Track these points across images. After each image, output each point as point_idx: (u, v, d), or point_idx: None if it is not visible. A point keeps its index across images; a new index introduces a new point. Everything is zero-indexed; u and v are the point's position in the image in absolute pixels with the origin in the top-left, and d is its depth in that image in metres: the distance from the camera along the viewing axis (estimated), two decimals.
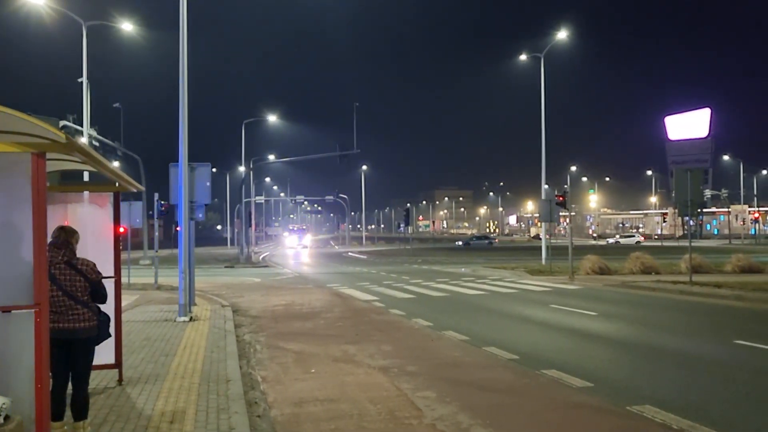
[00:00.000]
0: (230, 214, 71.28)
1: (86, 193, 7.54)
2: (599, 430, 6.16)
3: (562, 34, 33.83)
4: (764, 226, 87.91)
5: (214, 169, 61.90)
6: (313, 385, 8.16)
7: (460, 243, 78.08)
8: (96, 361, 5.87)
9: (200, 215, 14.91)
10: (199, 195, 14.54)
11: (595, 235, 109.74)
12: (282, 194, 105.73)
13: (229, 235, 74.57)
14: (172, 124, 13.73)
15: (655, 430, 6.12)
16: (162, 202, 21.62)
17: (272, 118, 48.06)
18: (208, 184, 14.80)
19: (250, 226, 52.02)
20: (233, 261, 41.05)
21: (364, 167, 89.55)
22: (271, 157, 57.79)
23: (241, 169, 50.03)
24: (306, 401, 7.40)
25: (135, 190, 7.55)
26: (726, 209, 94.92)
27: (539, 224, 69.03)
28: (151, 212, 25.30)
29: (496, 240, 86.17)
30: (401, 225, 73.38)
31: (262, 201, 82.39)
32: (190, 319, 13.11)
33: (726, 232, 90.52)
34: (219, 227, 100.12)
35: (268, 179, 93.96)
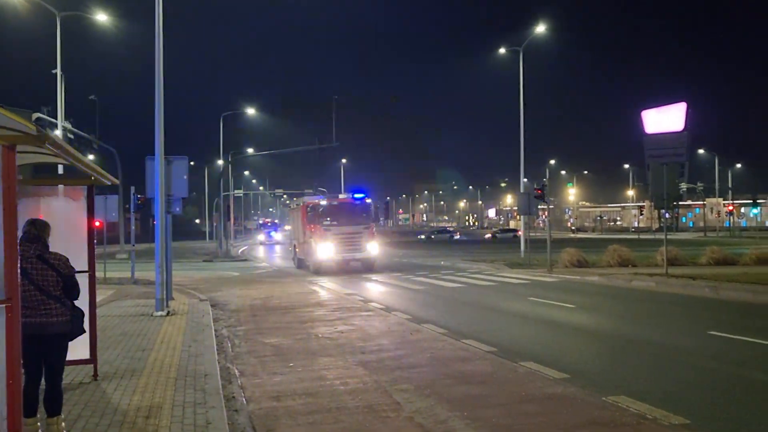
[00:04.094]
0: (209, 207, 70.78)
1: (61, 186, 7.44)
2: (575, 420, 6.21)
3: (541, 28, 33.94)
4: (738, 218, 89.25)
5: (192, 163, 61.29)
6: (291, 379, 8.15)
7: (422, 237, 78.11)
8: (70, 357, 5.80)
9: (177, 209, 14.77)
10: (176, 188, 14.40)
11: (573, 228, 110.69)
12: (261, 188, 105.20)
13: (207, 229, 74.03)
14: (149, 117, 13.57)
15: (629, 420, 6.19)
16: (138, 196, 21.40)
17: (250, 111, 47.73)
18: (185, 177, 14.66)
19: (229, 219, 51.72)
20: (212, 255, 40.78)
21: (344, 160, 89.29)
22: (250, 151, 57.51)
23: (220, 162, 49.67)
24: (284, 395, 7.38)
25: (110, 184, 7.46)
26: (701, 202, 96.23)
27: (518, 217, 69.42)
28: (127, 206, 24.99)
29: (457, 234, 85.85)
30: (381, 218, 73.16)
31: (241, 194, 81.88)
32: (168, 313, 13.00)
33: (701, 224, 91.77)
34: (197, 221, 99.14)
35: (246, 173, 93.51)
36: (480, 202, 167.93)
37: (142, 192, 17.55)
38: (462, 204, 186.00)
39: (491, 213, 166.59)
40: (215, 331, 11.55)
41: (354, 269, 26.70)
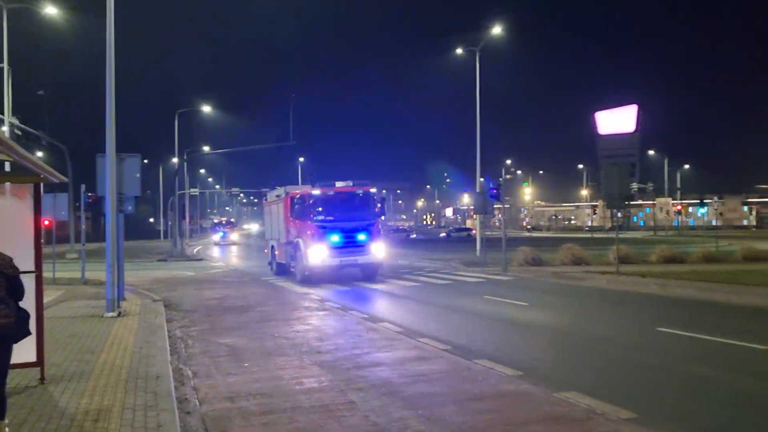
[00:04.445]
0: (163, 206, 69.58)
1: (8, 184, 7.21)
2: (527, 417, 6.31)
3: (497, 29, 34.32)
4: (686, 218, 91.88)
5: (146, 161, 60.20)
6: (246, 380, 8.07)
7: None
8: (15, 359, 5.63)
9: (130, 207, 14.48)
10: (128, 187, 14.12)
11: (529, 227, 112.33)
12: (217, 186, 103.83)
13: (162, 228, 72.75)
14: (102, 113, 13.25)
15: (579, 416, 6.31)
16: (89, 194, 20.90)
17: (206, 109, 47.05)
18: (137, 175, 14.38)
19: (184, 218, 50.91)
20: (166, 254, 40.07)
21: (301, 159, 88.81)
22: (206, 149, 56.72)
23: (175, 160, 48.86)
24: (238, 396, 7.31)
25: (57, 181, 7.27)
26: (652, 202, 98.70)
27: (475, 216, 70.23)
28: (78, 204, 24.36)
29: (414, 233, 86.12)
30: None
31: (197, 193, 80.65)
32: (119, 314, 12.73)
33: (651, 223, 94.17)
34: (152, 220, 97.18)
35: (202, 171, 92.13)
36: (438, 201, 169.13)
37: (93, 190, 17.13)
38: (420, 203, 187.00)
39: (449, 212, 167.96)
40: (168, 332, 11.36)
41: (350, 276, 21.96)
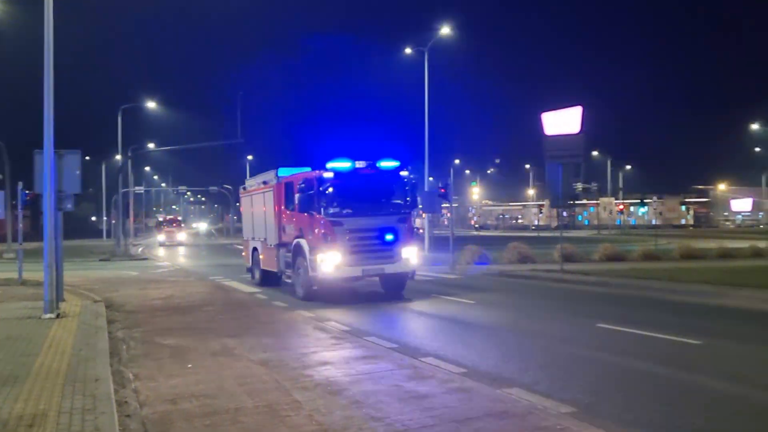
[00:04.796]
0: (107, 204, 67.81)
1: None
2: (470, 413, 6.39)
3: (446, 30, 34.63)
4: (628, 217, 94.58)
5: (87, 157, 58.50)
6: (189, 381, 7.94)
7: None
8: None
9: (69, 205, 14.04)
10: (67, 184, 13.69)
11: (477, 225, 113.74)
12: (163, 184, 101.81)
13: (105, 227, 70.89)
14: (40, 108, 12.80)
15: (521, 411, 6.43)
16: (27, 192, 20.20)
17: (152, 105, 46.05)
18: (78, 172, 13.96)
19: (128, 217, 49.74)
20: (109, 254, 39.08)
21: (250, 157, 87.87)
22: (151, 146, 55.48)
23: (118, 157, 47.64)
24: (181, 398, 7.18)
25: None
26: (596, 201, 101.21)
27: (423, 215, 70.73)
28: (15, 202, 23.52)
29: None
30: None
31: (142, 191, 78.85)
32: (57, 315, 12.35)
33: (595, 222, 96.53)
34: (94, 218, 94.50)
35: (148, 168, 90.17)
36: None
37: (31, 188, 16.57)
38: None
39: None
40: (109, 333, 11.09)
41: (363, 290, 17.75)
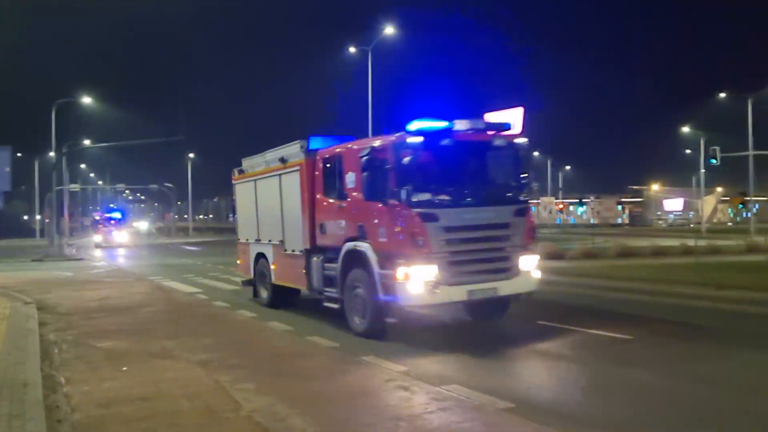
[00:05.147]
0: (40, 202, 65.44)
1: None
2: (411, 411, 6.44)
3: (390, 29, 34.75)
4: (568, 216, 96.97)
5: (19, 154, 56.32)
6: (124, 384, 7.73)
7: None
8: None
9: None
10: None
11: None
12: (100, 182, 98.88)
13: (38, 226, 68.41)
14: None
15: (460, 407, 6.52)
16: None
17: (88, 100, 44.61)
18: (7, 169, 13.51)
19: (63, 216, 48.11)
20: (42, 254, 37.71)
21: (191, 155, 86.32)
22: (87, 142, 53.78)
23: (52, 154, 46.03)
24: (115, 401, 6.99)
25: None
26: (537, 201, 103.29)
27: None
28: None
29: None
30: (230, 215, 70.97)
31: (78, 189, 76.40)
32: None
33: (536, 221, 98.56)
34: (26, 217, 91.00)
35: (84, 166, 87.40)
36: None
37: None
38: None
39: None
40: (41, 336, 10.71)
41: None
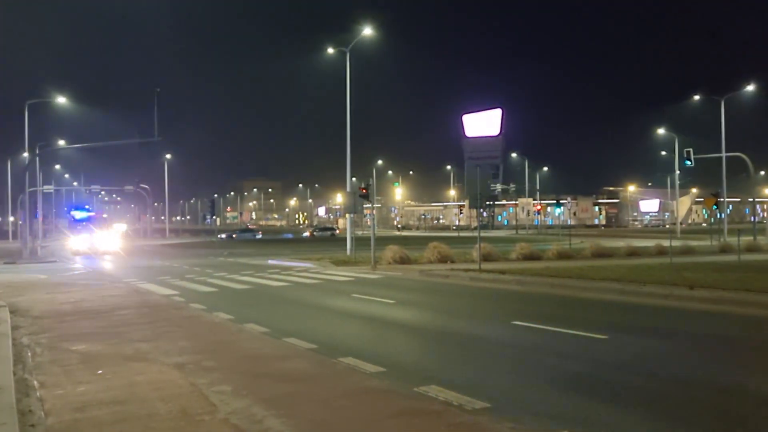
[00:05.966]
0: (12, 204, 64.39)
1: None
2: (387, 411, 6.47)
3: (368, 30, 34.74)
4: (545, 217, 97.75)
5: None
6: (99, 388, 7.65)
7: (223, 236, 71.91)
8: None
9: None
10: None
11: (399, 226, 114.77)
12: (75, 183, 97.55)
13: (10, 228, 67.35)
14: None
15: (436, 408, 6.55)
16: None
17: (62, 100, 44.04)
18: None
19: (37, 217, 47.40)
20: (15, 256, 37.13)
21: (168, 156, 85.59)
22: (62, 143, 53.08)
23: (26, 155, 45.30)
24: (89, 405, 6.92)
25: None
26: (515, 202, 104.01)
27: (346, 216, 70.79)
28: None
29: (260, 233, 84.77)
30: (207, 216, 70.03)
31: (52, 190, 75.31)
32: None
33: (514, 222, 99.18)
34: None
35: (58, 167, 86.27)
36: (310, 201, 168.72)
37: None
38: (292, 202, 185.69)
39: (321, 211, 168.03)
40: (14, 339, 10.55)
41: None
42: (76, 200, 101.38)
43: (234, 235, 73.67)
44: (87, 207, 62.67)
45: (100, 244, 47.39)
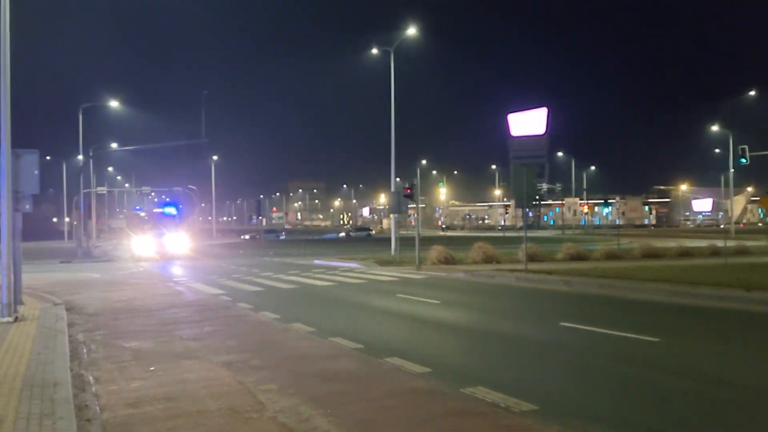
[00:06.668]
0: (67, 205, 66.47)
1: None
2: (434, 412, 6.44)
3: (412, 30, 34.72)
4: (592, 217, 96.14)
5: (47, 157, 57.30)
6: (151, 384, 7.84)
7: (247, 237, 72.39)
8: None
9: (27, 206, 13.75)
10: (25, 184, 13.39)
11: (443, 226, 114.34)
12: (127, 185, 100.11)
13: (66, 228, 69.52)
14: None
15: (483, 410, 6.50)
16: None
17: (114, 104, 45.25)
18: (36, 172, 13.67)
19: (90, 218, 48.82)
20: (70, 256, 38.33)
21: (215, 157, 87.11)
22: (114, 146, 54.63)
23: (80, 157, 46.75)
24: (142, 401, 7.09)
25: None
26: (561, 202, 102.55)
27: (390, 216, 70.87)
28: None
29: (283, 234, 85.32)
30: (253, 217, 70.62)
31: (105, 192, 77.40)
32: (16, 319, 12.09)
33: (560, 222, 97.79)
34: (55, 220, 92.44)
35: (111, 169, 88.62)
36: (354, 201, 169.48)
37: None
38: (337, 203, 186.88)
39: (365, 211, 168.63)
40: (70, 336, 10.90)
41: None
42: (128, 202, 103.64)
43: (257, 237, 70.99)
44: (175, 203, 50.21)
45: (170, 246, 40.73)
